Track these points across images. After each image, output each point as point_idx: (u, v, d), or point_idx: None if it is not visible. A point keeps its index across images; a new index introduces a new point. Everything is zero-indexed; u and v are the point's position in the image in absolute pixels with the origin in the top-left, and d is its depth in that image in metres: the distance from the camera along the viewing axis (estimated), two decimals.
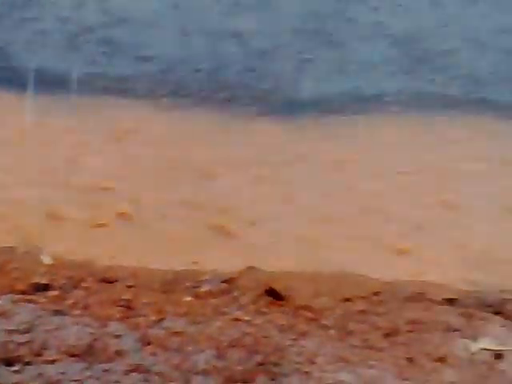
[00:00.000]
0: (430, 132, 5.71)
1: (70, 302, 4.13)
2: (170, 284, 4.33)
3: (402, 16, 6.84)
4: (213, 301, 4.21)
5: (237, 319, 4.09)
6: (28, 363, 3.72)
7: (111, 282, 4.32)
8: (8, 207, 4.95)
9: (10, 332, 3.86)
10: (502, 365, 3.84)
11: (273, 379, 3.78)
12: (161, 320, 4.08)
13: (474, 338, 3.97)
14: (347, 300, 4.24)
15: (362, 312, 4.16)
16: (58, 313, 4.02)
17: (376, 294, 4.28)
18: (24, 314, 3.99)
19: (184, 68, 6.26)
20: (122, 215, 4.96)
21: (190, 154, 5.49)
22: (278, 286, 4.28)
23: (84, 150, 5.54)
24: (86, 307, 4.13)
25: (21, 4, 6.77)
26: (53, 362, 3.77)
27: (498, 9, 7.05)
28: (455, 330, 4.02)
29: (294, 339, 3.98)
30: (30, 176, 5.20)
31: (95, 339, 3.94)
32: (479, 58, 6.37)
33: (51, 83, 6.02)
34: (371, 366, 3.86)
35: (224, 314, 4.13)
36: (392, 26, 6.65)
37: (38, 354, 3.77)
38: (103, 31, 6.61)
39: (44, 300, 4.11)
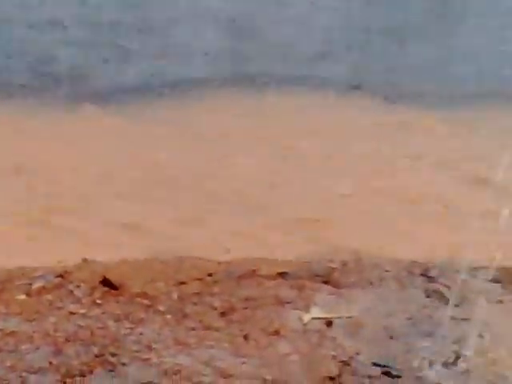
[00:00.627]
0: (259, 111, 5.80)
1: None
2: (2, 283, 4.23)
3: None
4: (47, 296, 4.14)
5: (72, 313, 4.05)
6: None
7: None
8: None
9: None
10: (332, 331, 3.98)
11: (111, 370, 3.77)
12: None
13: (306, 309, 4.10)
14: (182, 283, 4.27)
15: (198, 294, 4.20)
16: None
17: (210, 275, 4.33)
18: None
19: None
20: None
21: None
22: (112, 276, 4.26)
23: None
24: None
25: None
26: None
27: None
28: (288, 303, 4.13)
29: (131, 328, 3.98)
30: None
31: None
32: (299, 37, 6.49)
33: None
34: (208, 347, 3.91)
35: (59, 308, 4.07)
36: (215, 9, 6.66)
37: None
38: None
39: None
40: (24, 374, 3.73)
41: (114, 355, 3.83)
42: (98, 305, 4.10)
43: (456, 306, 4.06)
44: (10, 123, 5.58)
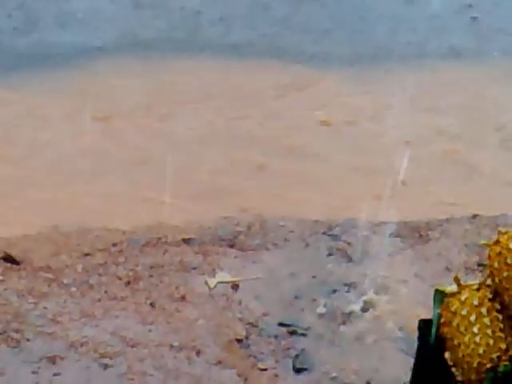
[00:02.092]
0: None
1: None
2: None
3: None
4: None
5: None
6: None
7: None
8: None
9: None
10: (238, 294, 4.00)
11: (15, 346, 3.71)
12: None
13: (212, 273, 4.10)
14: (87, 255, 4.21)
15: (102, 265, 4.15)
16: None
17: (115, 244, 4.28)
18: None
19: None
20: None
21: None
22: (14, 251, 4.17)
23: None
24: None
25: None
26: None
27: None
28: (193, 269, 4.12)
29: (35, 302, 3.92)
30: None
31: None
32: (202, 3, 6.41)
33: None
34: (115, 317, 3.88)
35: None
36: None
37: None
38: None
39: None
40: None
41: (17, 331, 3.77)
42: (0, 281, 4.01)
43: (358, 261, 4.14)
44: None
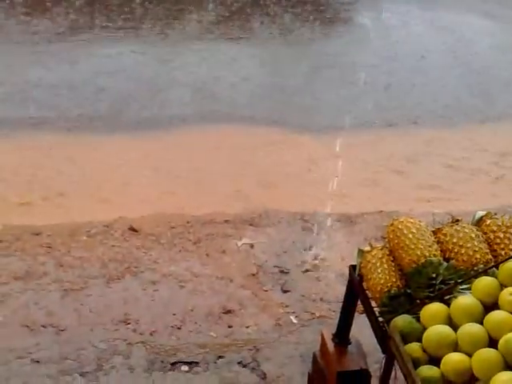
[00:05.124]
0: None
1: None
2: (73, 230, 4.09)
3: None
4: (98, 237, 4.07)
5: (113, 245, 4.00)
6: None
7: (38, 234, 4.05)
8: None
9: None
10: (253, 250, 4.00)
11: (134, 275, 3.75)
12: (68, 252, 3.91)
13: (239, 239, 4.10)
14: (173, 227, 4.20)
15: (181, 232, 4.13)
16: None
17: (188, 222, 4.25)
18: None
19: None
20: None
21: None
22: (135, 225, 4.18)
23: None
24: (22, 249, 3.88)
25: None
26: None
27: None
28: (229, 236, 4.11)
29: (145, 252, 3.96)
30: None
31: (29, 267, 3.75)
32: (235, 94, 5.95)
33: None
34: (187, 261, 3.91)
35: (105, 244, 4.00)
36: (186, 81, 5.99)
37: None
38: None
39: None
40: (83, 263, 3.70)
41: (135, 267, 3.83)
42: (127, 240, 4.05)
43: (318, 234, 4.14)
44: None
